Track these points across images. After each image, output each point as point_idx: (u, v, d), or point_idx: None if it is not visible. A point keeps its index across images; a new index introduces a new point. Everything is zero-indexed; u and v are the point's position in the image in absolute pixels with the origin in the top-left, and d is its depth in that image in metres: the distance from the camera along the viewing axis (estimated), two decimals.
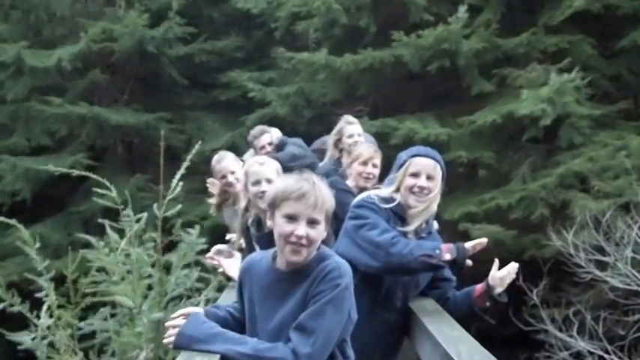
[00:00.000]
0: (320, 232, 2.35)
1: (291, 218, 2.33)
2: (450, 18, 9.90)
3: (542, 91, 8.99)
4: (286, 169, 5.32)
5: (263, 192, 3.58)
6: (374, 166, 4.49)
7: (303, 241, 2.32)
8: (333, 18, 10.62)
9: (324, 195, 2.36)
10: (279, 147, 5.56)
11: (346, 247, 3.17)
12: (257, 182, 3.68)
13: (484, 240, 3.14)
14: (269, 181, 3.64)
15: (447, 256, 3.06)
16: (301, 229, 2.31)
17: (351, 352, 2.51)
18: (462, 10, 9.82)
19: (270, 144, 5.61)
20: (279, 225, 2.35)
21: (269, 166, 3.77)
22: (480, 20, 10.23)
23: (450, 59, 9.93)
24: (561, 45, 9.91)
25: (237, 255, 4.03)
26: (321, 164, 5.27)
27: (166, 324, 2.52)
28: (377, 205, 3.20)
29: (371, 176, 4.47)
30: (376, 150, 4.64)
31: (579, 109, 9.21)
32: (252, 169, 3.76)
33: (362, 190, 4.46)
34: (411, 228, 3.23)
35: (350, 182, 4.54)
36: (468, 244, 3.13)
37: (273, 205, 2.37)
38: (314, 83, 11.08)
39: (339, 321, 2.32)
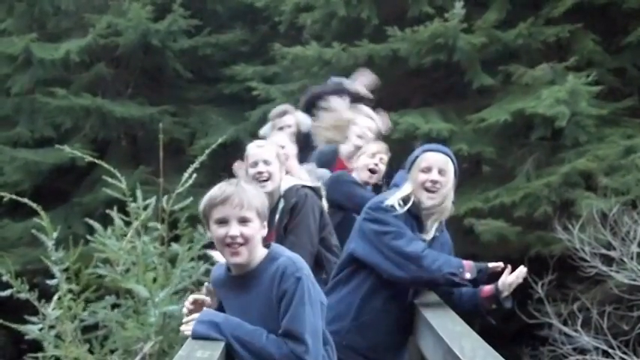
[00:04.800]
0: (254, 229, 2.40)
1: (222, 222, 2.39)
2: (447, 14, 9.85)
3: (559, 93, 8.93)
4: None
5: (260, 172, 3.68)
6: (381, 160, 4.51)
7: (239, 240, 2.38)
8: (332, 10, 10.55)
9: (251, 194, 2.41)
10: (305, 137, 5.32)
11: (366, 252, 3.14)
12: (254, 164, 3.73)
13: (500, 264, 3.14)
14: (266, 162, 3.71)
15: (468, 275, 3.05)
16: (233, 229, 2.37)
17: (328, 335, 2.60)
18: (459, 6, 9.73)
19: (289, 126, 5.28)
20: (213, 232, 2.42)
21: (267, 149, 3.80)
22: (484, 16, 10.16)
23: (448, 54, 9.85)
24: (562, 34, 9.83)
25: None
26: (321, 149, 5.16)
27: (185, 320, 2.58)
28: (396, 209, 3.15)
29: (377, 169, 4.48)
30: (386, 146, 4.67)
31: (588, 109, 9.16)
32: (251, 151, 3.81)
33: (365, 184, 4.49)
34: (429, 236, 3.20)
35: (355, 174, 4.53)
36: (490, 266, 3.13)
37: (205, 216, 2.45)
38: (318, 79, 11.03)
39: (317, 312, 2.41)
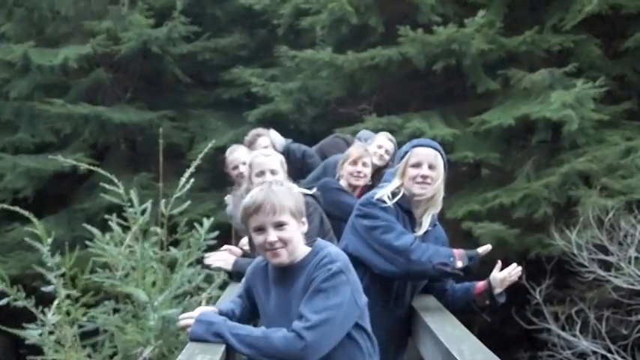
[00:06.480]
0: (291, 230, 2.45)
1: (259, 230, 2.45)
2: (467, 20, 9.87)
3: (566, 97, 8.96)
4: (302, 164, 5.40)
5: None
6: (364, 165, 4.60)
7: (277, 245, 2.43)
8: (341, 16, 10.57)
9: (282, 197, 2.46)
10: (285, 154, 5.44)
11: (357, 247, 3.17)
12: (261, 173, 3.74)
13: (488, 247, 3.17)
14: (273, 172, 3.73)
15: (460, 264, 3.07)
16: (271, 235, 2.43)
17: (373, 339, 2.60)
18: (480, 15, 9.83)
19: (266, 147, 5.36)
20: (254, 239, 2.49)
21: (273, 158, 3.82)
22: (484, 19, 10.19)
23: (457, 59, 9.90)
24: (565, 44, 9.88)
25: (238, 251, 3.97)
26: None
27: (181, 317, 2.61)
28: (385, 202, 3.18)
29: (361, 175, 4.58)
30: (366, 149, 4.77)
31: (590, 114, 9.18)
32: (257, 160, 3.82)
33: (354, 189, 4.52)
34: (422, 230, 3.20)
35: (342, 182, 4.60)
36: (480, 251, 3.15)
37: (245, 224, 2.51)
38: (318, 80, 11.05)
39: (337, 303, 2.37)
